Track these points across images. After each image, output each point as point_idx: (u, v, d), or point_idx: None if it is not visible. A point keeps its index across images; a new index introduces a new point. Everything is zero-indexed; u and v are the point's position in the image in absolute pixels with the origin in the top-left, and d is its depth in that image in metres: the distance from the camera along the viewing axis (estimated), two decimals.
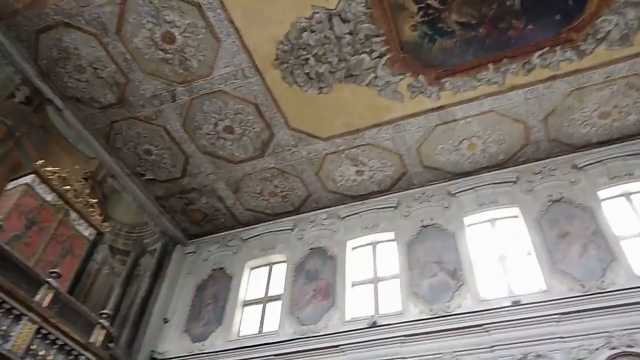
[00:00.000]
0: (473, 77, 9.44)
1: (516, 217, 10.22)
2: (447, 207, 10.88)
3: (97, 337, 7.67)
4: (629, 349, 7.47)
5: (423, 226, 10.75)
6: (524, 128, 10.27)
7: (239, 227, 12.85)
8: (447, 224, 10.56)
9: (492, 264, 9.71)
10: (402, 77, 9.51)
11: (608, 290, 8.12)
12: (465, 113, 10.08)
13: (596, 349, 7.66)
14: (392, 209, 11.42)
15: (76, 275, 9.45)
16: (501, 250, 9.85)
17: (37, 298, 6.88)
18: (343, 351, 9.25)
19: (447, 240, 10.22)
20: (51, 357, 6.88)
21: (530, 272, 9.20)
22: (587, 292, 8.25)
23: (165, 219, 12.61)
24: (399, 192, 11.63)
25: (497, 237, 10.16)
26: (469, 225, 10.48)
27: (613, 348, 7.57)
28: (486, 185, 10.81)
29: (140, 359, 10.68)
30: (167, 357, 10.81)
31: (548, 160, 10.61)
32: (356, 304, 10.32)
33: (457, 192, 10.97)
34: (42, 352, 6.78)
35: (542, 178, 10.40)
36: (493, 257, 9.80)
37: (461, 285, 9.38)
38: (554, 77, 9.34)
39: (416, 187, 11.52)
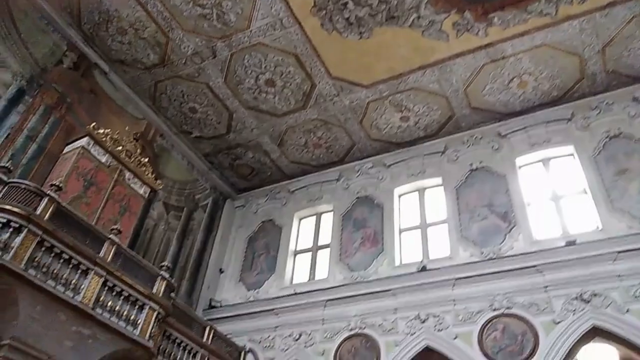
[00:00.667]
0: (523, 10, 8.87)
1: (571, 155, 9.81)
2: (497, 149, 10.56)
3: (159, 288, 8.05)
4: None
5: (472, 170, 10.53)
6: (579, 61, 9.66)
7: (286, 180, 13.03)
8: (497, 166, 10.28)
9: (545, 205, 9.47)
10: (446, 15, 9.07)
11: None
12: (515, 49, 9.56)
13: None
14: (439, 154, 11.20)
15: (135, 232, 9.91)
16: (555, 190, 9.55)
17: (101, 253, 7.26)
18: (394, 295, 9.39)
19: (497, 183, 9.99)
20: (118, 307, 7.33)
21: (585, 212, 8.91)
22: None
23: (214, 175, 12.94)
24: (446, 136, 11.37)
25: (551, 177, 9.83)
26: (521, 166, 10.18)
27: None
28: (538, 124, 10.37)
29: (200, 307, 11.29)
30: (224, 304, 11.36)
31: (605, 94, 10.00)
32: (405, 250, 10.39)
33: (508, 133, 10.60)
34: (110, 303, 7.21)
35: (598, 113, 9.85)
36: (546, 197, 9.55)
37: (513, 227, 9.21)
38: (612, 4, 8.65)
39: (464, 130, 11.21)
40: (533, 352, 7.72)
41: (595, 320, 7.59)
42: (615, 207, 8.51)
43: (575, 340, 7.63)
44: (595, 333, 7.68)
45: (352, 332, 9.43)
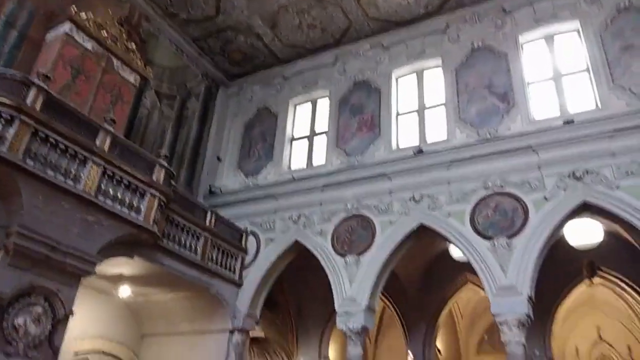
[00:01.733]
0: None
1: (576, 31, 9.41)
2: (500, 26, 10.08)
3: (158, 175, 8.16)
4: None
5: (473, 49, 10.15)
6: None
7: (280, 65, 12.62)
8: (499, 44, 9.90)
9: (545, 85, 9.29)
10: None
11: None
12: None
13: None
14: (440, 33, 10.73)
15: (129, 121, 9.84)
16: (557, 68, 9.31)
17: (97, 143, 7.24)
18: (390, 178, 9.58)
19: (498, 63, 9.68)
20: (120, 195, 7.49)
21: (586, 90, 8.76)
22: None
23: (205, 61, 12.50)
24: (448, 13, 10.77)
25: (554, 55, 9.51)
26: (524, 43, 9.82)
27: None
28: None
29: (200, 193, 11.56)
30: (224, 190, 11.63)
31: None
32: (402, 134, 10.39)
33: (512, 9, 10.05)
34: (111, 191, 7.36)
35: None
36: (547, 77, 9.32)
37: (511, 108, 9.12)
38: None
39: (467, 7, 10.60)
40: (523, 227, 8.03)
41: (586, 196, 7.79)
42: (616, 84, 8.32)
43: (565, 216, 7.91)
44: (584, 209, 7.94)
45: (349, 214, 9.76)
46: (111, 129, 7.54)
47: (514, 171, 8.50)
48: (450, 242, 9.02)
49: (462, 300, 14.91)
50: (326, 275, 9.43)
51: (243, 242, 10.51)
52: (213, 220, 9.80)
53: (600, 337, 15.51)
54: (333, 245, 9.62)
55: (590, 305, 14.98)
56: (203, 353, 9.76)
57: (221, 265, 9.75)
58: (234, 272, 10.10)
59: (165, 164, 8.35)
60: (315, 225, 10.01)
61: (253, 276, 10.20)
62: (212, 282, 9.49)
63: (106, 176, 7.33)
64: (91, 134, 7.28)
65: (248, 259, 10.43)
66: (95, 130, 7.35)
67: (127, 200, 7.60)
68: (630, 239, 9.47)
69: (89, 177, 7.06)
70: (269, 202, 10.80)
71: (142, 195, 7.84)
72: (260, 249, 10.46)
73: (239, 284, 10.11)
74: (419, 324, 13.00)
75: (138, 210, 7.73)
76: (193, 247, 9.14)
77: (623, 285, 11.29)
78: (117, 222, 7.37)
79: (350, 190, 9.92)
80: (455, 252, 10.80)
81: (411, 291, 13.16)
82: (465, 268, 10.73)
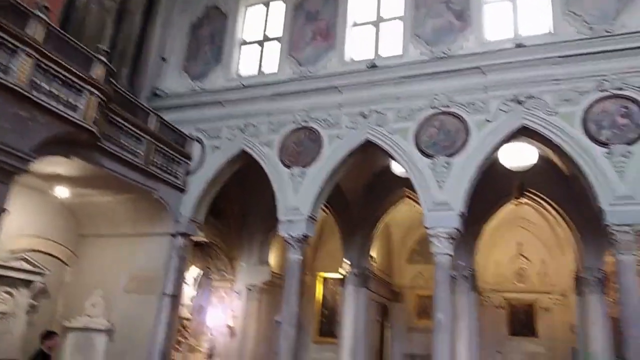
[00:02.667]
0: None
1: None
2: None
3: (98, 72, 7.69)
4: (618, 91, 7.64)
5: None
6: None
7: None
8: None
9: (502, 5, 9.22)
10: None
11: (617, 33, 7.83)
12: None
13: (586, 91, 7.84)
14: None
15: (65, 12, 9.06)
16: None
17: (28, 32, 6.64)
18: (340, 92, 9.51)
19: None
20: (56, 92, 7.03)
21: (541, 14, 8.78)
22: (594, 35, 8.00)
23: None
24: None
25: None
26: None
27: (603, 90, 7.73)
28: None
29: (143, 95, 11.02)
30: (169, 93, 11.18)
31: None
32: (356, 46, 10.18)
33: None
34: (46, 86, 6.89)
35: None
36: None
37: (466, 26, 9.06)
38: None
39: None
40: (463, 146, 8.33)
41: (525, 120, 8.09)
42: (570, 10, 8.37)
43: (503, 138, 8.24)
44: (522, 132, 8.29)
45: (297, 126, 9.72)
46: (44, 17, 6.90)
47: (461, 91, 8.63)
48: (393, 159, 9.23)
49: (399, 213, 15.63)
50: (271, 185, 9.54)
51: (187, 148, 10.33)
52: (157, 124, 9.51)
53: (520, 252, 16.92)
54: (279, 156, 9.65)
55: (514, 223, 16.15)
56: (145, 255, 9.88)
57: (164, 170, 9.62)
58: (178, 177, 10.01)
59: (105, 60, 7.86)
60: (262, 135, 9.94)
61: (197, 182, 10.16)
62: (155, 186, 9.39)
63: (40, 69, 6.82)
64: (21, 21, 6.65)
65: (193, 165, 10.32)
66: (26, 17, 6.72)
67: (63, 97, 7.17)
68: (559, 163, 10.13)
69: (21, 69, 6.55)
70: (216, 109, 10.53)
71: (80, 92, 7.41)
72: (205, 156, 10.34)
73: (182, 190, 10.07)
74: (356, 233, 13.63)
75: (75, 109, 7.34)
76: (135, 150, 8.90)
77: (547, 205, 12.19)
78: (53, 120, 6.99)
79: (300, 101, 9.81)
80: (397, 168, 11.12)
81: (352, 203, 13.63)
82: (404, 183, 11.15)
